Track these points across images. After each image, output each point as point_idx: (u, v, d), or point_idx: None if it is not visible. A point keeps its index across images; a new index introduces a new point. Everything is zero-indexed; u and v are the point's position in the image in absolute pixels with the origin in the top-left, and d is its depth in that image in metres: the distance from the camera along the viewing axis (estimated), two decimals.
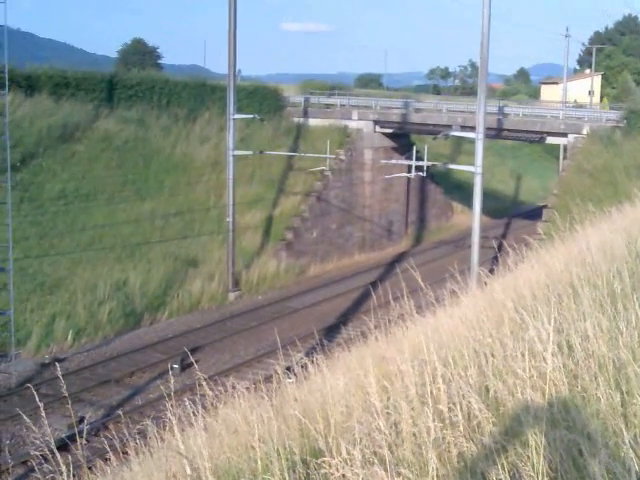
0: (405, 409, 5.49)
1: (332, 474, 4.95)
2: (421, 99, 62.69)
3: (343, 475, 4.86)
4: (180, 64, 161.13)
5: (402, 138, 50.68)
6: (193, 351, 25.96)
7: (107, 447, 8.05)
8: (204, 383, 7.72)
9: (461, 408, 5.50)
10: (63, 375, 9.61)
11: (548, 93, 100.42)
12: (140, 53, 77.86)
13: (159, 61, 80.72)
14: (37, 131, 36.76)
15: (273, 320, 32.54)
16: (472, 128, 33.80)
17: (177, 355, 26.96)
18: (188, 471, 5.52)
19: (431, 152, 41.24)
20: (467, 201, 45.04)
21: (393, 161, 43.38)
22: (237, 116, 37.63)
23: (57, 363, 18.69)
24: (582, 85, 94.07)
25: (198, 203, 40.86)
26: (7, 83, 24.95)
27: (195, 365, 10.17)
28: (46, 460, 7.17)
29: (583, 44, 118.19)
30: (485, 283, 12.34)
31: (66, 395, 8.65)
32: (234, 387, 8.28)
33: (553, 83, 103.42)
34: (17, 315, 25.83)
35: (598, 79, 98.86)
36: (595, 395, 5.52)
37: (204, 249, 38.26)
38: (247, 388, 8.49)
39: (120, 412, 19.62)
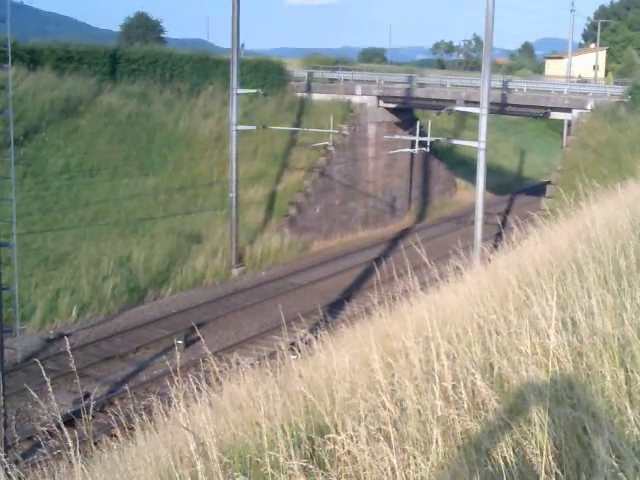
0: (409, 386, 5.50)
1: (337, 450, 4.97)
2: (425, 74, 62.48)
3: (348, 451, 4.88)
4: (183, 38, 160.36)
5: (406, 113, 50.51)
6: (197, 327, 26.05)
7: (112, 422, 8.10)
8: (209, 359, 7.74)
9: (465, 385, 5.51)
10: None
11: (553, 68, 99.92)
12: (143, 27, 77.27)
13: (162, 35, 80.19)
14: (40, 105, 36.64)
15: (277, 296, 32.59)
16: (476, 103, 33.66)
17: (181, 331, 27.08)
18: (193, 446, 5.54)
19: (435, 127, 41.19)
20: (471, 177, 44.93)
21: (397, 136, 43.31)
22: (240, 91, 37.51)
23: (66, 338, 18.74)
24: (587, 60, 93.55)
25: (201, 178, 40.80)
26: (10, 57, 24.82)
27: (202, 340, 10.19)
28: (52, 435, 7.22)
29: (588, 18, 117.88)
30: (489, 259, 12.33)
31: (73, 370, 8.70)
32: (238, 363, 8.30)
33: (558, 58, 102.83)
34: (21, 290, 25.88)
35: (603, 54, 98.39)
36: (600, 372, 5.52)
37: (207, 224, 38.27)
38: (251, 364, 8.52)
39: (125, 387, 19.73)
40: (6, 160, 25.26)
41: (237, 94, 36.92)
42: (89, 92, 39.68)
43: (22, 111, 34.39)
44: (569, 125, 48.53)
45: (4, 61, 25.34)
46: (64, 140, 36.82)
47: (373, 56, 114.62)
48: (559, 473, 4.42)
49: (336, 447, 4.98)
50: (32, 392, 7.88)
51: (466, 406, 5.31)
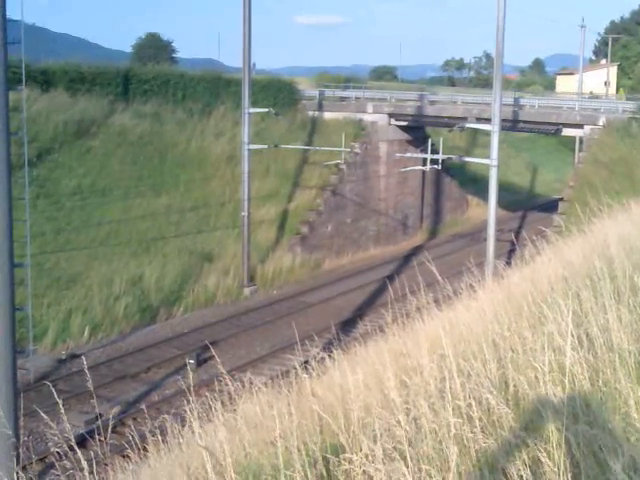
0: (424, 404, 5.46)
1: (353, 470, 4.93)
2: (436, 91, 62.56)
3: (364, 471, 4.84)
4: (195, 58, 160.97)
5: (417, 131, 50.53)
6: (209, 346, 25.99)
7: (125, 443, 8.07)
8: (223, 378, 7.71)
9: (481, 403, 5.46)
10: (80, 371, 9.63)
11: (564, 84, 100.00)
12: (155, 47, 77.91)
13: (174, 55, 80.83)
14: (53, 126, 36.82)
15: (289, 315, 32.49)
16: (488, 120, 33.67)
17: (193, 350, 27.03)
18: (210, 465, 5.51)
19: (446, 145, 41.09)
20: (482, 194, 44.89)
21: (408, 154, 43.31)
22: (252, 110, 37.61)
23: (83, 357, 18.66)
24: (598, 76, 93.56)
25: (213, 197, 40.89)
26: (23, 78, 24.95)
27: (217, 358, 10.17)
28: (65, 456, 7.18)
29: (599, 34, 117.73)
30: (502, 276, 12.28)
31: (90, 390, 8.68)
32: (251, 382, 8.27)
33: (569, 74, 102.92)
34: (34, 311, 25.81)
35: (614, 70, 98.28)
36: (616, 389, 5.48)
37: (219, 244, 38.29)
38: (264, 383, 8.48)
39: (138, 408, 19.68)
40: (20, 181, 25.29)
41: (249, 113, 37.04)
42: (102, 113, 39.87)
43: (35, 132, 34.55)
44: (581, 141, 48.51)
45: (18, 83, 25.46)
46: (77, 161, 36.98)
47: (384, 74, 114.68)
48: None
49: (352, 467, 4.94)
50: (43, 414, 7.84)
51: (482, 424, 5.27)
